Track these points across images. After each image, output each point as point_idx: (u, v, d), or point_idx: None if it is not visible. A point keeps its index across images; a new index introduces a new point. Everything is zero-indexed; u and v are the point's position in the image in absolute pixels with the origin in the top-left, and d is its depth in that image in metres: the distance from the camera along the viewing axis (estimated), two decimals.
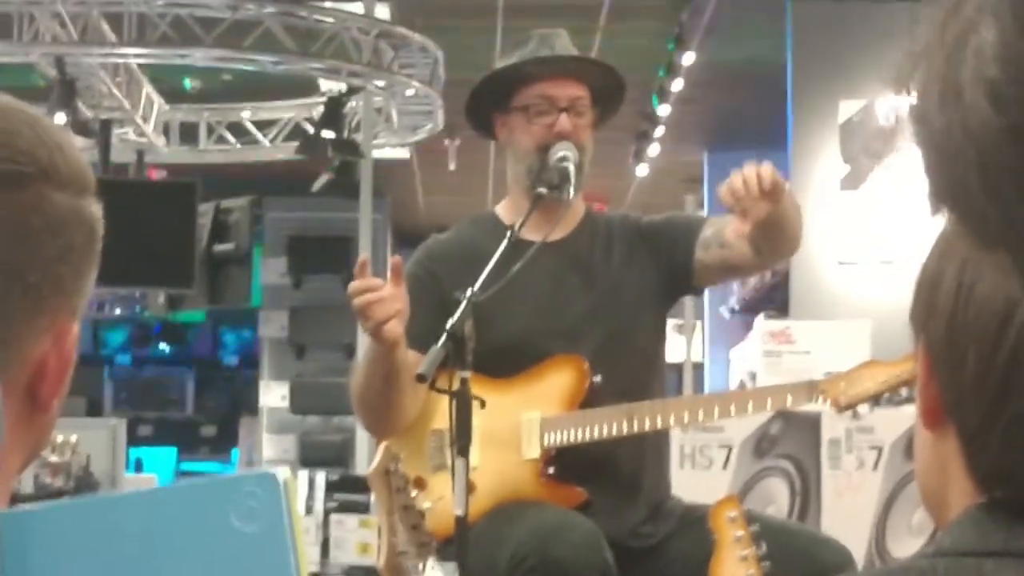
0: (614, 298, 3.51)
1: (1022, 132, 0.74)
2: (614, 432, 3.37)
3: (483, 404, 3.16)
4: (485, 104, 3.63)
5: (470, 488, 3.17)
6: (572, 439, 3.40)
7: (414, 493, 2.85)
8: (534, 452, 3.43)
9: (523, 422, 3.44)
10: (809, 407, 3.52)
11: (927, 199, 0.81)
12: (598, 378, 3.43)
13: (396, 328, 3.18)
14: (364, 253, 9.68)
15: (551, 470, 3.42)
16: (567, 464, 3.42)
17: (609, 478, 3.44)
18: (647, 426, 3.37)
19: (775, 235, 3.33)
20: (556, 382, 3.45)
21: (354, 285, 3.18)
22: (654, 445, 3.55)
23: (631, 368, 3.47)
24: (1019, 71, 0.74)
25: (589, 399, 3.43)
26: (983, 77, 0.75)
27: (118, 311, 13.42)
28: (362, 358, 3.41)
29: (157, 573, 0.91)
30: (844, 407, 3.29)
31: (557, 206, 3.41)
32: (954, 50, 0.78)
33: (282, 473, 0.92)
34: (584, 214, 3.64)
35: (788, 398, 3.37)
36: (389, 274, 3.24)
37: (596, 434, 3.38)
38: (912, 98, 0.81)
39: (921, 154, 0.81)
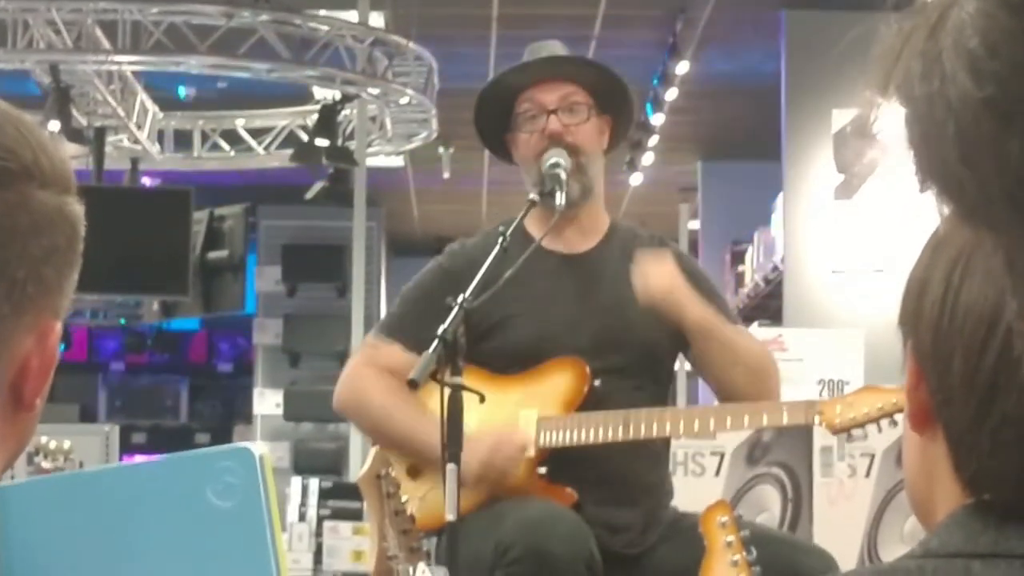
0: (633, 316, 3.47)
1: (1001, 105, 0.74)
2: (609, 437, 3.37)
3: (482, 399, 3.17)
4: (495, 129, 3.62)
5: (462, 482, 3.16)
6: (567, 440, 3.40)
7: (404, 497, 2.84)
8: (529, 451, 3.43)
9: (520, 420, 3.44)
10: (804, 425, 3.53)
11: (914, 176, 0.81)
12: (598, 382, 3.43)
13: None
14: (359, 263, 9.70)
15: (544, 469, 3.43)
16: (560, 465, 3.43)
17: (601, 482, 3.44)
18: (642, 433, 3.37)
19: (715, 353, 3.38)
20: (556, 383, 3.45)
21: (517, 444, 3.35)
22: (651, 452, 3.54)
23: (642, 384, 3.49)
24: (999, 43, 0.73)
25: (588, 402, 3.43)
26: (963, 49, 0.75)
27: (112, 318, 13.40)
28: (410, 418, 3.37)
29: (133, 547, 0.91)
30: (838, 430, 3.32)
31: (576, 213, 3.46)
32: (936, 25, 0.78)
33: (258, 448, 0.92)
34: (609, 227, 3.63)
35: (784, 415, 3.38)
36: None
37: (591, 437, 3.38)
38: (897, 79, 0.81)
39: (905, 129, 0.81)
